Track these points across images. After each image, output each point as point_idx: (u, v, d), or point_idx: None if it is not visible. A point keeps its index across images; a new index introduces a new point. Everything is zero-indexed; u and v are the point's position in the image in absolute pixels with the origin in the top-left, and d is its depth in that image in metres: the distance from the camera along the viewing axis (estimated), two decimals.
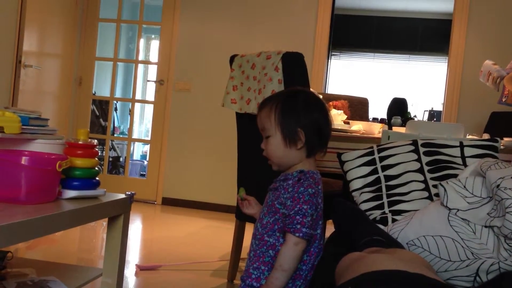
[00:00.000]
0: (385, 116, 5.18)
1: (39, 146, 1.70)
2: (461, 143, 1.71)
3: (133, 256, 2.92)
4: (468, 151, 1.67)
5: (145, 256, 2.96)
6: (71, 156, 1.54)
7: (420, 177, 1.62)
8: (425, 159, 1.66)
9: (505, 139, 2.22)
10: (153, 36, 7.46)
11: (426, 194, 1.57)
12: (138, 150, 7.36)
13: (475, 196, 1.35)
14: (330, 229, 1.86)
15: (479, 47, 4.24)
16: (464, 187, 1.37)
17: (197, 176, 4.72)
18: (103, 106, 5.90)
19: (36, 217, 1.26)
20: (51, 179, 1.46)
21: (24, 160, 1.41)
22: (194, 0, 4.74)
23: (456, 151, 1.68)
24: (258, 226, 1.32)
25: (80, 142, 1.59)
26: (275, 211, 1.28)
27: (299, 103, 1.30)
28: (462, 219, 1.31)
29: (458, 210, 1.33)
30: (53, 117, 4.46)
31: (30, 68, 4.07)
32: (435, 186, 1.56)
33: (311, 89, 2.08)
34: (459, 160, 1.65)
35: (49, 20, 4.39)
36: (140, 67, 6.35)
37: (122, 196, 1.72)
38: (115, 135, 6.47)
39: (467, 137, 2.37)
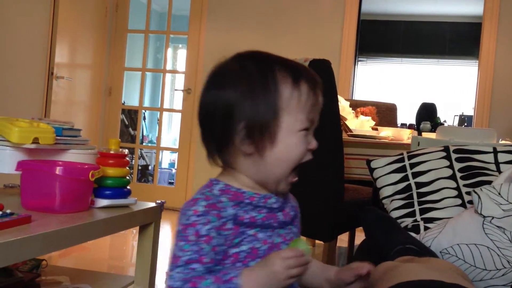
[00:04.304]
0: (413, 122, 5.09)
1: (72, 156, 1.74)
2: (494, 149, 1.67)
3: (164, 264, 2.94)
4: (502, 157, 1.64)
5: None
6: (103, 166, 1.57)
7: (452, 184, 1.59)
8: (457, 165, 1.63)
9: None
10: (180, 45, 7.54)
11: (459, 201, 1.54)
12: (166, 159, 7.44)
13: (511, 203, 1.32)
14: (360, 236, 1.84)
15: (510, 50, 4.15)
16: (499, 194, 1.34)
17: None
18: (132, 116, 5.99)
19: (70, 226, 1.29)
20: (84, 188, 1.49)
21: (58, 170, 1.44)
22: (220, 10, 4.78)
23: (490, 157, 1.64)
24: None
25: (111, 152, 1.61)
26: None
27: None
28: (497, 226, 1.28)
29: (493, 217, 1.30)
30: (84, 127, 4.55)
31: (61, 80, 4.17)
32: (468, 193, 1.53)
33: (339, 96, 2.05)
34: (493, 167, 1.62)
35: (80, 32, 4.50)
36: (168, 76, 6.42)
37: (153, 204, 1.74)
38: (143, 143, 6.56)
39: (500, 142, 2.32)
